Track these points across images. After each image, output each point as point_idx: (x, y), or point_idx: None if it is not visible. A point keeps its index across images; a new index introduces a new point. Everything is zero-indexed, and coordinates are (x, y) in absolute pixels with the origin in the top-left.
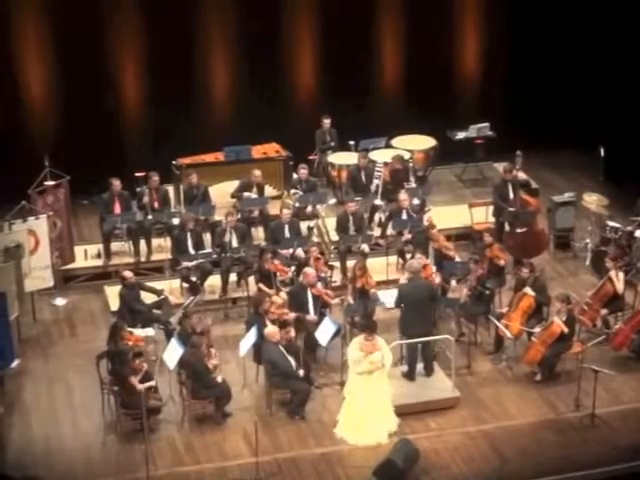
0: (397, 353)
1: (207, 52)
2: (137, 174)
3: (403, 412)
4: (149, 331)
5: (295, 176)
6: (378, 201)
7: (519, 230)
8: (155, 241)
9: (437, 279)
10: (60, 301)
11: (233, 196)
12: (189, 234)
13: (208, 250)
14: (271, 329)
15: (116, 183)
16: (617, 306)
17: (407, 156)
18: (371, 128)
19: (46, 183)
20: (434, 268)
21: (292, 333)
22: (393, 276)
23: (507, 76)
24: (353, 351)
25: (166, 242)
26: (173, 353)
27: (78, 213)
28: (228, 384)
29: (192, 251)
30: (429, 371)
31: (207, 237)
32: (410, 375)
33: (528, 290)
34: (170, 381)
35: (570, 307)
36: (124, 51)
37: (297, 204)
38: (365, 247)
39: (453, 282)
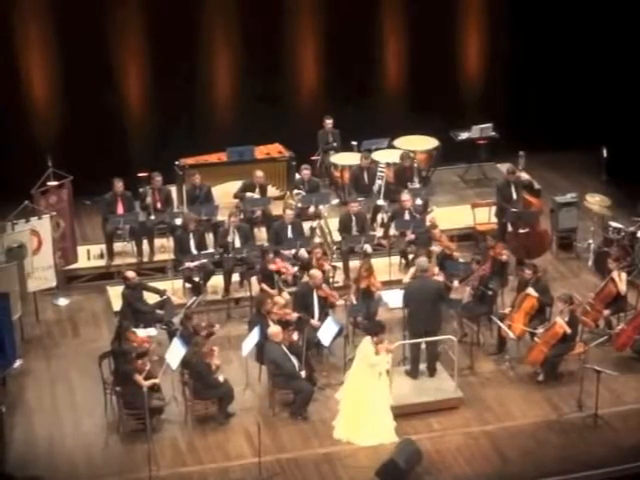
0: (400, 353)
1: (210, 52)
2: (140, 174)
3: (406, 412)
4: (151, 331)
5: (298, 176)
6: (381, 201)
7: (522, 231)
8: (158, 241)
9: (440, 280)
10: (63, 301)
11: (236, 196)
12: (191, 234)
13: (210, 250)
14: (274, 329)
15: (119, 184)
16: (620, 307)
17: (411, 156)
18: (374, 128)
19: (49, 183)
20: (437, 269)
21: (295, 336)
22: (396, 277)
23: (510, 77)
24: (370, 355)
25: (169, 242)
26: (176, 353)
27: (81, 213)
28: (231, 384)
29: (194, 251)
30: (432, 371)
31: (210, 237)
32: (413, 373)
33: (531, 291)
34: (173, 381)
35: (573, 308)
36: (127, 51)
37: (300, 204)
38: (368, 247)
39: (455, 282)
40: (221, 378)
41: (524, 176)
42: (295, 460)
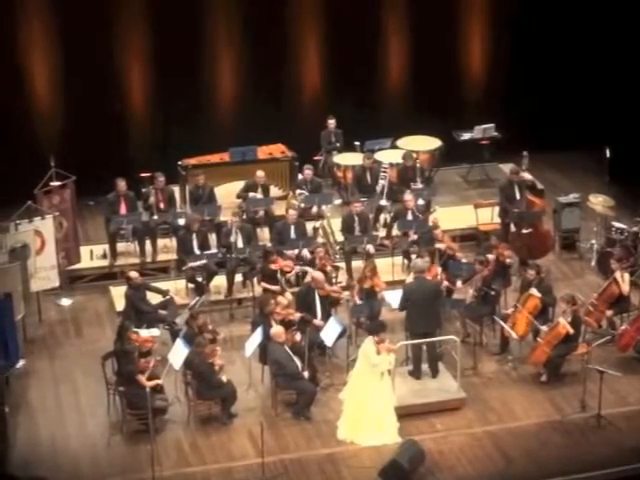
0: (402, 353)
1: (213, 52)
2: (143, 174)
3: (409, 413)
4: (154, 331)
5: (300, 177)
6: (383, 202)
7: (525, 231)
8: (161, 241)
9: (444, 282)
10: (66, 301)
11: (239, 196)
12: (194, 235)
13: (213, 251)
14: (277, 329)
15: (122, 183)
16: (622, 307)
17: (413, 157)
18: (376, 129)
19: (52, 183)
20: (439, 269)
21: (298, 337)
22: (399, 277)
23: (513, 77)
24: (372, 355)
25: (172, 242)
26: (178, 353)
27: (84, 213)
28: (234, 385)
29: (197, 252)
30: (434, 371)
31: (212, 238)
32: (416, 373)
33: (534, 291)
34: (176, 381)
35: (575, 308)
36: (130, 51)
37: (302, 205)
38: (370, 248)
39: (459, 283)
40: (224, 378)
41: (527, 176)
42: (298, 460)
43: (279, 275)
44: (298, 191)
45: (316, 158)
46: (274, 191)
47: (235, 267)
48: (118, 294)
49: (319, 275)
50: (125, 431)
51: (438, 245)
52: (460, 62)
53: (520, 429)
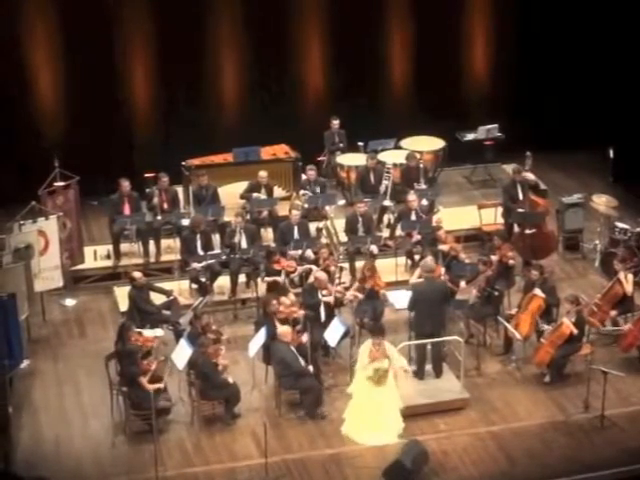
0: (406, 354)
1: (216, 53)
2: (146, 175)
3: (412, 413)
4: (158, 332)
5: (304, 177)
6: (387, 202)
7: (528, 231)
8: (164, 242)
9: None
10: (70, 302)
11: (242, 197)
12: (198, 235)
13: (217, 251)
14: (284, 329)
15: (125, 184)
16: (626, 307)
17: (417, 157)
18: (380, 129)
19: (56, 184)
20: (443, 270)
21: (304, 338)
22: (402, 277)
23: (516, 77)
24: (362, 356)
25: (175, 243)
26: (182, 353)
27: (88, 214)
28: (237, 385)
29: (201, 252)
30: (438, 372)
31: (216, 238)
32: (419, 374)
33: (537, 292)
34: (179, 382)
35: (579, 308)
36: (134, 52)
37: (306, 205)
38: (374, 248)
39: (462, 283)
40: (230, 379)
41: (530, 177)
42: (302, 461)
43: (283, 275)
44: (302, 191)
45: (320, 158)
46: (278, 192)
47: (239, 267)
48: (122, 294)
49: (322, 275)
50: (128, 431)
51: (441, 246)
52: (464, 62)
53: (523, 429)
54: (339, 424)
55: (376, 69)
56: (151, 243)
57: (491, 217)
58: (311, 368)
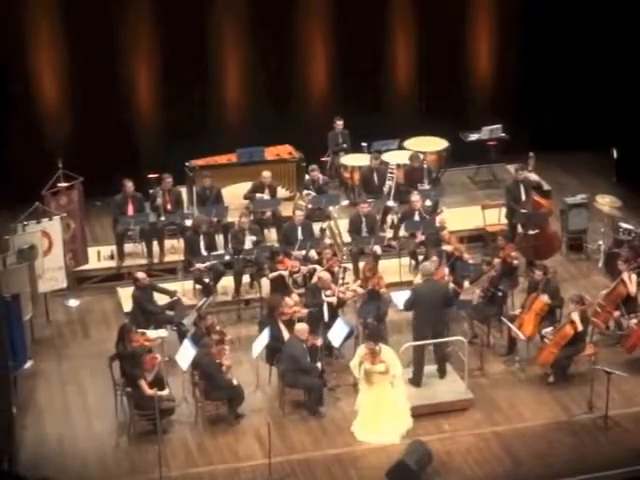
0: (409, 355)
1: (220, 54)
2: (150, 175)
3: (416, 414)
4: (162, 332)
5: (307, 177)
6: (391, 202)
7: (532, 232)
8: (168, 242)
9: (450, 284)
10: (73, 302)
11: (246, 197)
12: (202, 236)
13: (221, 252)
14: (302, 326)
15: (129, 184)
16: (630, 308)
17: (420, 157)
18: (384, 130)
19: (59, 184)
20: (446, 270)
21: (319, 341)
22: (406, 278)
23: (520, 78)
24: (356, 356)
25: (179, 243)
26: (186, 354)
27: (91, 214)
28: (241, 385)
29: (205, 253)
30: (442, 373)
31: (220, 239)
32: (416, 381)
33: (545, 298)
34: (183, 382)
35: (583, 308)
36: (138, 53)
37: (310, 205)
38: (377, 249)
39: (466, 283)
40: (235, 381)
41: (533, 177)
42: (305, 461)
43: (286, 276)
44: (305, 192)
45: (323, 159)
46: (281, 192)
47: (242, 268)
48: (125, 295)
49: (325, 275)
50: (132, 432)
51: (445, 246)
52: (467, 63)
53: (527, 430)
54: (342, 424)
55: (380, 70)
56: (155, 244)
57: (495, 217)
58: (319, 365)
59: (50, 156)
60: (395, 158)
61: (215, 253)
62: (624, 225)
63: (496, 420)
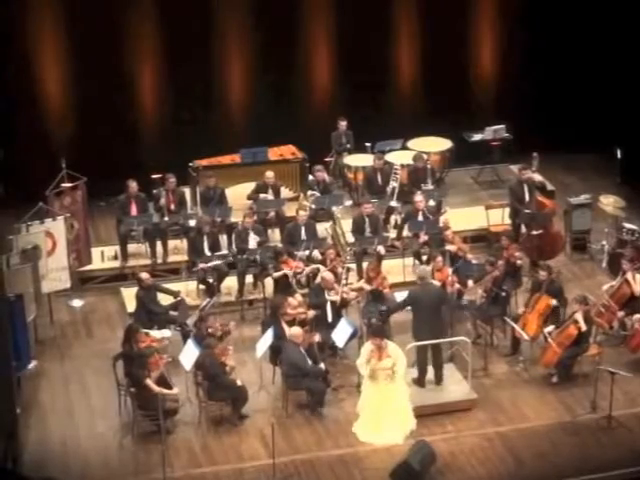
0: (412, 356)
1: (224, 54)
2: (154, 176)
3: (420, 414)
4: (166, 332)
5: (311, 177)
6: (394, 203)
7: (535, 232)
8: (171, 243)
9: (455, 285)
10: (77, 302)
11: (249, 198)
12: (205, 236)
13: (224, 252)
14: (295, 330)
15: (133, 185)
16: (634, 308)
17: (424, 158)
18: (387, 130)
19: (63, 185)
20: (450, 270)
21: (317, 337)
22: (409, 278)
23: (523, 78)
24: (362, 355)
25: (182, 244)
26: (189, 354)
27: (95, 215)
28: (245, 386)
29: (208, 253)
30: (439, 379)
31: (223, 239)
32: (420, 381)
33: (552, 302)
34: (187, 382)
35: (587, 309)
36: (141, 53)
37: (313, 206)
38: (381, 249)
39: (470, 282)
40: (239, 382)
41: (537, 177)
42: (309, 461)
43: (290, 276)
44: (309, 192)
45: (327, 159)
46: (285, 192)
47: (246, 268)
48: (129, 295)
49: (328, 275)
50: (136, 432)
51: (449, 247)
52: (471, 63)
53: (531, 430)
54: (346, 425)
55: (383, 70)
56: (158, 244)
57: (498, 218)
58: (323, 366)
59: (54, 156)
60: (399, 158)
61: (219, 253)
62: (628, 225)
63: (500, 420)
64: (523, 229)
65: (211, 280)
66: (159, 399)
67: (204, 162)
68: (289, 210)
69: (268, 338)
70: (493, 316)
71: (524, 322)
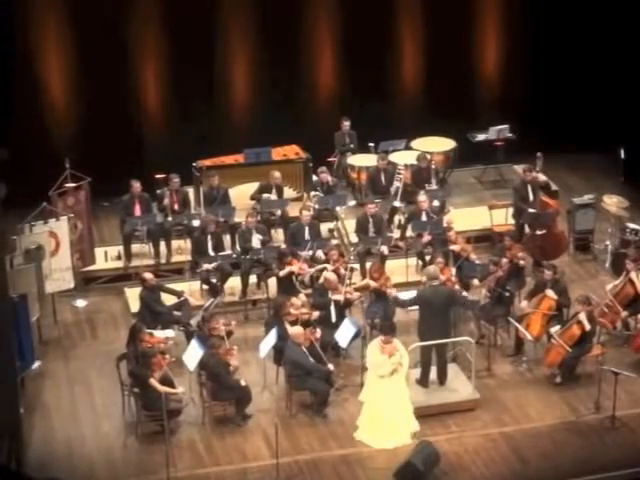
0: (416, 356)
1: (227, 54)
2: (157, 176)
3: (423, 414)
4: (169, 333)
5: (315, 178)
6: (398, 203)
7: (539, 232)
8: (175, 243)
9: (456, 286)
10: (81, 303)
11: (253, 198)
12: (209, 236)
13: (228, 252)
14: (296, 330)
15: (136, 185)
16: (637, 308)
17: (427, 158)
18: (391, 130)
19: (67, 185)
20: (453, 271)
21: (318, 333)
22: (413, 278)
23: (527, 78)
24: (374, 354)
25: (186, 244)
26: (193, 354)
27: (98, 215)
28: (248, 386)
29: (212, 253)
30: (442, 380)
31: (227, 239)
32: (423, 382)
33: (550, 293)
34: (190, 383)
35: (590, 309)
36: (145, 53)
37: (317, 206)
38: (385, 249)
39: (475, 281)
40: (243, 382)
41: (541, 177)
42: (313, 461)
43: (294, 276)
44: (313, 192)
45: (330, 159)
46: (288, 192)
47: (249, 268)
48: (133, 295)
49: (332, 276)
50: (140, 432)
51: (452, 247)
52: (475, 63)
53: (535, 430)
54: (350, 425)
55: (387, 70)
56: (162, 244)
57: (502, 218)
58: (331, 366)
59: (57, 156)
60: (402, 158)
61: (222, 253)
62: (631, 225)
63: (503, 420)
64: (527, 229)
65: (215, 280)
66: (163, 399)
67: (208, 162)
68: (293, 210)
69: (272, 338)
70: (497, 316)
71: (528, 322)
